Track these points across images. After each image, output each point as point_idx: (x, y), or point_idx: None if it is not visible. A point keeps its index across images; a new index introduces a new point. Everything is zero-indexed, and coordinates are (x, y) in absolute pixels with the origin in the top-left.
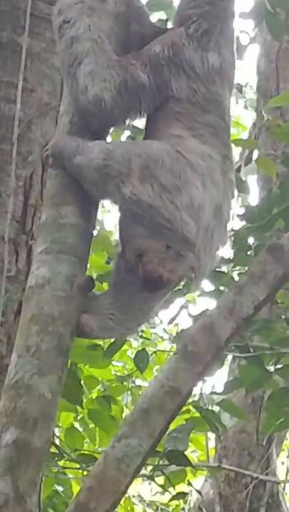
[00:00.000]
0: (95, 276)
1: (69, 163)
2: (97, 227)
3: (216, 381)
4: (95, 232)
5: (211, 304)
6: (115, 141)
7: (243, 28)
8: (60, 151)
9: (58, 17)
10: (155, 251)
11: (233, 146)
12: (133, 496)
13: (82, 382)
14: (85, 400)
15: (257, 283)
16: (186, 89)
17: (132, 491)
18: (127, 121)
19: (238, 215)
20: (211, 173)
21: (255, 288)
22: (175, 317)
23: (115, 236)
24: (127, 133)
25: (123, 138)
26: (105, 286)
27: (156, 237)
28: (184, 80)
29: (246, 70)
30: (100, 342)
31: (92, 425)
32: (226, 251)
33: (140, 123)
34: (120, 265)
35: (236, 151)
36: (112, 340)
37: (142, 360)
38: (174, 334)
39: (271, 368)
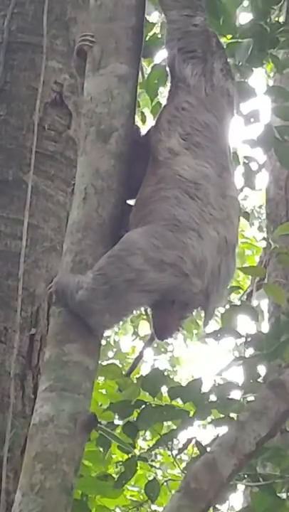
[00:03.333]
0: (108, 403)
1: (72, 301)
2: (114, 349)
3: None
4: (111, 354)
5: (221, 430)
6: (97, 264)
7: (252, 154)
8: (63, 289)
9: None
10: (162, 305)
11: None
12: None
13: None
14: None
15: (259, 419)
16: (197, 80)
17: None
18: None
19: (246, 343)
20: (205, 213)
21: (257, 424)
22: (185, 447)
23: (132, 357)
24: None
25: None
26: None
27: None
28: (199, 73)
29: (259, 194)
30: (111, 471)
31: None
32: (237, 378)
33: None
34: None
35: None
36: (123, 469)
37: (152, 489)
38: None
39: (283, 495)
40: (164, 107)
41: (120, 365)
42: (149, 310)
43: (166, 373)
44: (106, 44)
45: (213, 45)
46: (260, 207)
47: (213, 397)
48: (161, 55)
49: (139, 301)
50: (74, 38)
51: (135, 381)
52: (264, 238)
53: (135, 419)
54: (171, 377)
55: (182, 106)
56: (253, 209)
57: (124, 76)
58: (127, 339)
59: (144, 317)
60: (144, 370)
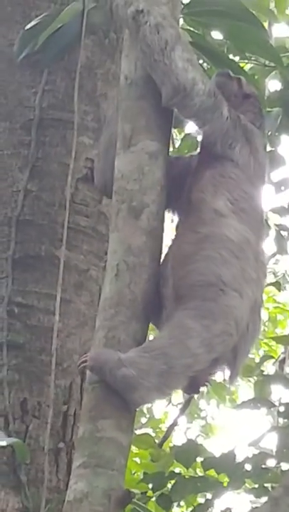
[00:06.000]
0: (142, 471)
1: (111, 377)
2: (147, 416)
3: None
4: (144, 420)
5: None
6: (153, 343)
7: (283, 221)
8: (101, 365)
9: (127, 7)
10: None
11: None
12: None
13: None
14: None
15: None
16: (247, 160)
17: None
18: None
19: (278, 413)
20: (246, 273)
21: None
22: None
23: (165, 424)
24: None
25: None
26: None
27: None
28: (248, 153)
29: None
30: None
31: None
32: (271, 445)
33: None
34: None
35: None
36: None
37: None
38: None
39: None
40: (203, 171)
41: (153, 433)
42: None
43: (199, 439)
44: (136, 122)
45: (248, 124)
46: None
47: (247, 466)
48: (191, 125)
49: (185, 382)
50: (104, 113)
51: (168, 449)
52: None
53: (169, 489)
54: (204, 444)
55: (229, 175)
56: (284, 273)
57: (155, 153)
58: (160, 405)
59: None
60: (177, 437)
